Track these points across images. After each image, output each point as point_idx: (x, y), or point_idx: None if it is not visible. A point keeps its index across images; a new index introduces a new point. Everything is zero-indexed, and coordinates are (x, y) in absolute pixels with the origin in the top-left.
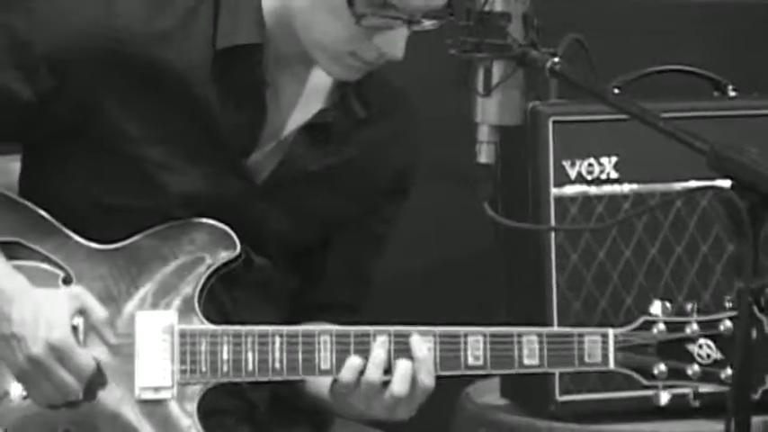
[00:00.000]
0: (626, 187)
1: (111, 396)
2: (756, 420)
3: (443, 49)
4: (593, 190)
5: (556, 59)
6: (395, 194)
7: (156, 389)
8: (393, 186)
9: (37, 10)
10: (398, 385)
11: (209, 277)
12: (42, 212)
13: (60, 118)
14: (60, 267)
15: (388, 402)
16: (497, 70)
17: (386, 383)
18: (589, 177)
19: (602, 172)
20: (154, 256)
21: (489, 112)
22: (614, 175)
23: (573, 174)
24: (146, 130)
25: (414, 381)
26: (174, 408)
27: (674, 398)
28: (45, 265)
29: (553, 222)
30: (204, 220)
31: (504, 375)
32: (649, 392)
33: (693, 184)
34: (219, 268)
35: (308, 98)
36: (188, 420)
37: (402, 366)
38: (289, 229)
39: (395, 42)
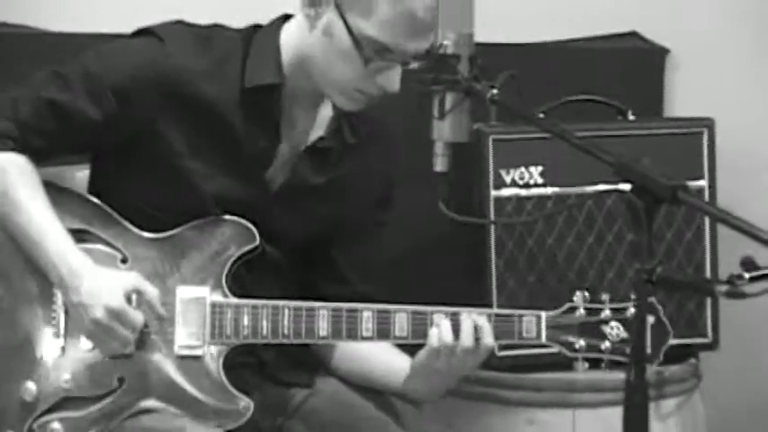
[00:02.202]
0: (549, 190)
1: (156, 352)
2: (650, 371)
3: (406, 83)
4: (523, 192)
5: (495, 91)
6: (383, 202)
7: (191, 347)
8: (381, 196)
9: (105, 51)
10: (466, 340)
11: (234, 262)
12: (106, 207)
13: (121, 134)
14: (119, 250)
15: (459, 361)
16: (449, 99)
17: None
18: (521, 182)
19: (530, 178)
20: (193, 244)
21: (443, 131)
22: (540, 180)
23: (508, 179)
24: (188, 147)
25: (477, 342)
26: (204, 362)
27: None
28: (107, 249)
29: (493, 217)
30: (231, 217)
31: None
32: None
33: (602, 187)
34: (242, 255)
35: (313, 127)
36: (215, 371)
37: (466, 329)
38: (295, 229)
39: (393, 80)
